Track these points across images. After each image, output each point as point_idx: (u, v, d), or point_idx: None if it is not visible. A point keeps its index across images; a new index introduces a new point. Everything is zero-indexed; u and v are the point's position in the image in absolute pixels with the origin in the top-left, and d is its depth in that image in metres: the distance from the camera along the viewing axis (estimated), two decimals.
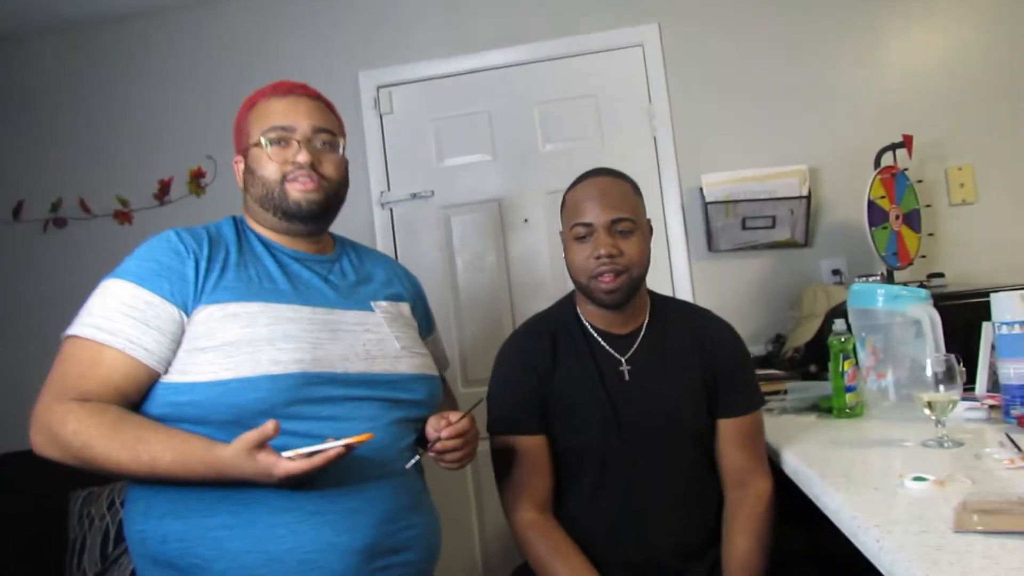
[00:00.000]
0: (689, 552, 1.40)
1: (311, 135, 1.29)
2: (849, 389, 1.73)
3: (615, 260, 1.36)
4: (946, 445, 1.35)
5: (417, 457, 1.27)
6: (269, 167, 1.28)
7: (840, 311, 2.14)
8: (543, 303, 2.59)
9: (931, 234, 2.27)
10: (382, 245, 2.62)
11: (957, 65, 2.44)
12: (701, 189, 2.48)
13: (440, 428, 1.26)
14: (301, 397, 1.16)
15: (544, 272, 2.60)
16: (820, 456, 1.40)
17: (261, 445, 1.04)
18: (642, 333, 1.46)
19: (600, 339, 1.45)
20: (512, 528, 1.42)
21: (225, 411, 1.13)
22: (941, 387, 1.39)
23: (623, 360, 1.43)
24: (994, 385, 1.62)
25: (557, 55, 2.62)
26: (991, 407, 1.56)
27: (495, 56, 2.63)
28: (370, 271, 1.42)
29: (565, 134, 2.61)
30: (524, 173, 2.62)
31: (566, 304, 1.53)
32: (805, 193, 2.41)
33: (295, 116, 1.29)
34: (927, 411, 1.39)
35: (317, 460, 1.05)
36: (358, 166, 2.67)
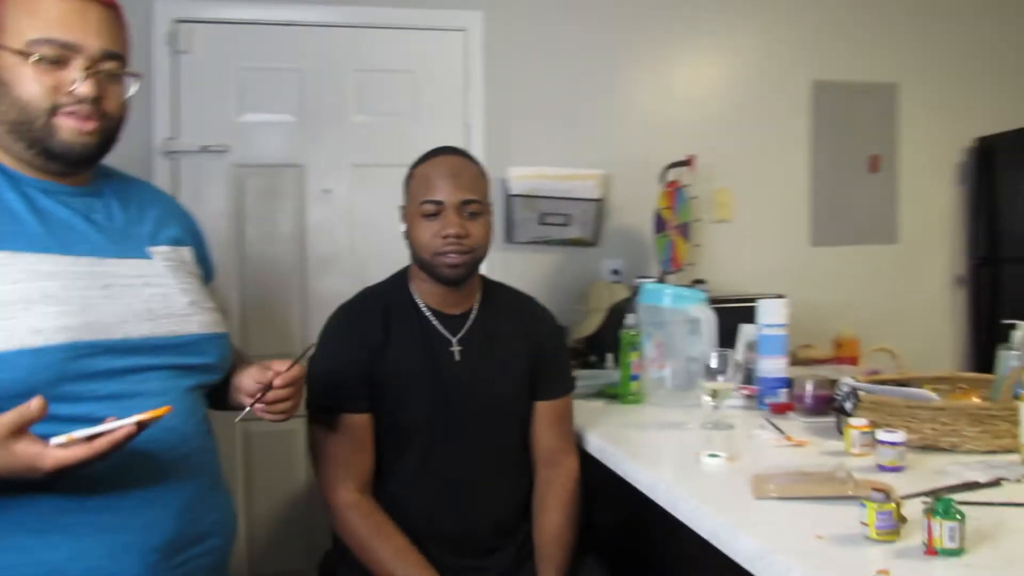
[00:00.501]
0: (505, 529, 1.46)
1: (99, 60, 1.02)
2: (634, 378, 1.92)
3: (462, 241, 1.38)
4: (721, 428, 1.57)
5: (248, 409, 1.17)
6: (33, 89, 1.00)
7: (621, 308, 2.37)
8: (338, 280, 2.56)
9: (698, 245, 2.58)
10: None
11: (722, 97, 2.80)
12: (505, 181, 2.58)
13: (267, 379, 1.14)
14: (72, 373, 0.96)
15: (341, 247, 2.53)
16: (621, 437, 1.55)
17: (20, 431, 0.84)
18: (473, 315, 1.49)
19: (432, 318, 1.46)
20: (331, 509, 1.38)
21: None
22: (720, 377, 1.60)
23: (454, 341, 1.46)
24: (747, 378, 1.90)
25: (379, 23, 2.55)
26: (747, 396, 1.82)
27: (314, 12, 2.50)
28: (142, 207, 1.19)
29: (379, 107, 2.56)
30: (331, 141, 2.52)
31: (398, 281, 1.52)
32: (599, 196, 2.61)
33: (83, 30, 1.01)
34: (708, 398, 1.60)
35: (99, 445, 0.87)
36: (140, 104, 2.37)
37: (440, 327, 1.46)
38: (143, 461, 1.01)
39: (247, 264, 2.46)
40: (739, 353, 1.96)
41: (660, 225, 2.39)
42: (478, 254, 1.43)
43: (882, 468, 1.21)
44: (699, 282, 2.44)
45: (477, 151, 2.59)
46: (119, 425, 0.88)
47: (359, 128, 2.54)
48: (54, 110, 1.02)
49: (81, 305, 1.00)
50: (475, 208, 1.41)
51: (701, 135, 2.71)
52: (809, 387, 1.65)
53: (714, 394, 1.56)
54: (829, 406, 1.64)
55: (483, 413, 1.43)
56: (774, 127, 2.85)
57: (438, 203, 1.38)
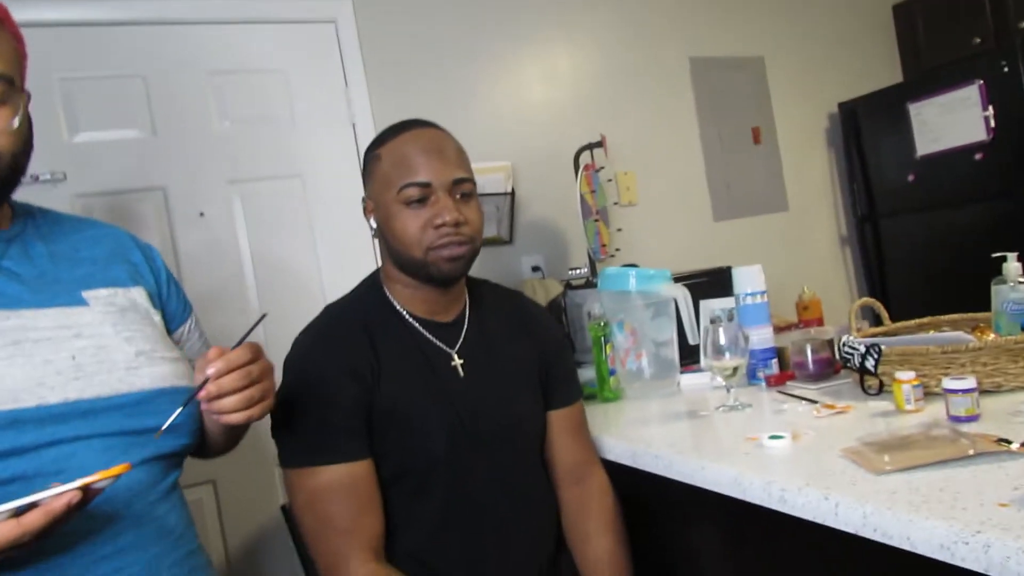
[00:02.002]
0: (548, 569, 1.21)
1: None
2: (611, 372, 1.74)
3: (460, 230, 1.12)
4: (740, 408, 1.42)
5: (179, 410, 0.87)
6: None
7: (558, 304, 2.19)
8: (229, 318, 2.15)
9: (620, 229, 2.46)
10: None
11: (610, 80, 2.71)
12: None
13: (206, 365, 0.86)
14: None
15: (230, 279, 2.13)
16: (644, 436, 1.35)
17: None
18: (467, 320, 1.24)
19: (424, 330, 1.19)
20: None
21: None
22: (727, 355, 1.45)
23: (454, 353, 1.19)
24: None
25: (237, 18, 2.18)
26: None
27: (152, 7, 2.09)
28: (75, 248, 0.98)
29: (247, 112, 2.19)
30: (196, 156, 2.12)
31: (370, 291, 1.23)
32: (510, 189, 2.41)
33: None
34: (720, 379, 1.45)
35: (31, 520, 0.67)
36: None
37: (434, 339, 1.19)
38: (94, 540, 0.80)
39: None
40: (703, 331, 1.84)
41: (586, 210, 2.24)
42: (477, 244, 1.18)
43: (956, 419, 1.11)
44: (632, 266, 2.30)
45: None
46: (58, 492, 0.68)
47: (226, 139, 2.16)
48: None
49: None
50: (467, 188, 1.16)
51: (595, 119, 2.60)
52: (809, 352, 1.55)
53: (731, 373, 1.41)
54: (833, 369, 1.55)
55: (504, 436, 1.18)
56: (662, 106, 2.80)
57: (425, 185, 1.12)
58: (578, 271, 2.26)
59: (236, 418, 0.87)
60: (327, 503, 1.06)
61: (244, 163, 2.17)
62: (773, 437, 1.14)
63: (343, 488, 1.06)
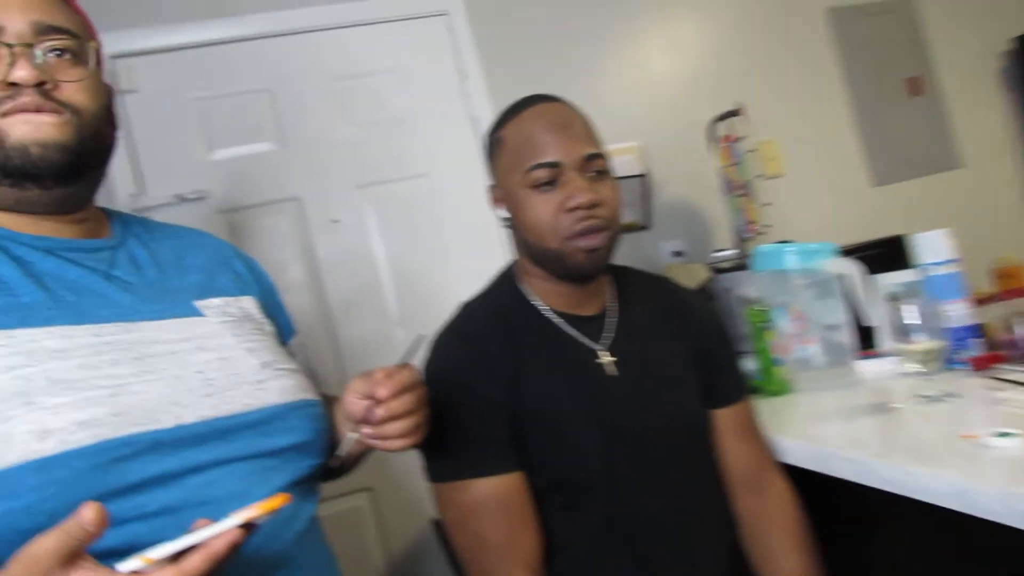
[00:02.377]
0: None
1: (32, 38, 0.76)
2: (777, 363, 1.57)
3: (596, 212, 1.01)
4: (943, 399, 1.21)
5: (352, 438, 0.82)
6: None
7: (708, 290, 2.02)
8: (368, 322, 2.15)
9: (768, 204, 2.25)
10: None
11: (739, 44, 2.48)
12: None
13: (371, 392, 0.79)
14: (105, 487, 0.67)
15: (367, 284, 2.12)
16: (825, 435, 1.17)
17: (73, 557, 0.56)
18: (612, 312, 1.12)
19: (566, 325, 1.08)
20: None
21: None
22: (919, 336, 1.25)
23: (600, 349, 1.08)
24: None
25: (350, 22, 2.17)
26: None
27: (271, 20, 2.11)
28: (180, 255, 0.91)
29: (370, 116, 2.17)
30: (325, 163, 2.13)
31: (505, 285, 1.13)
32: (642, 171, 2.26)
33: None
34: (915, 365, 1.25)
35: (193, 565, 0.58)
36: None
37: (578, 335, 1.08)
38: None
39: None
40: (880, 310, 1.62)
41: (728, 186, 2.05)
42: (617, 227, 1.06)
43: None
44: (785, 243, 2.10)
45: None
46: (217, 531, 0.60)
47: (352, 144, 2.15)
48: None
49: (111, 387, 0.70)
50: (600, 165, 1.04)
51: (728, 88, 2.38)
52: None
53: (928, 357, 1.21)
54: None
55: (664, 439, 1.05)
56: (801, 66, 2.54)
57: (554, 165, 1.01)
58: (725, 252, 2.08)
59: (398, 445, 0.81)
60: (479, 519, 0.97)
61: (371, 167, 2.15)
62: (1001, 435, 0.94)
63: (494, 503, 0.97)
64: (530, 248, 1.06)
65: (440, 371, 1.04)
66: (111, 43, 1.98)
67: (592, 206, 1.00)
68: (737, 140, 2.15)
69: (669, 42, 2.42)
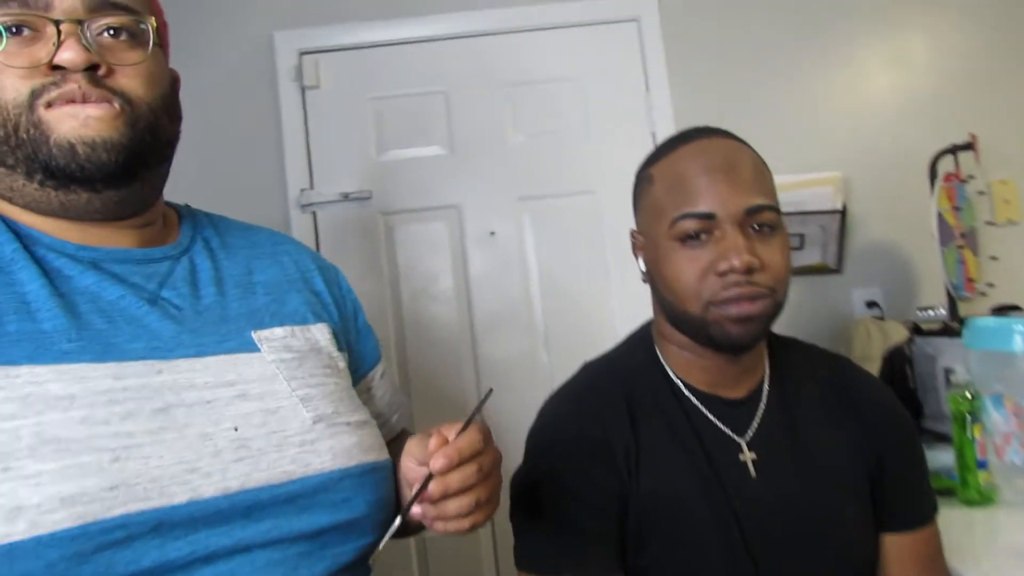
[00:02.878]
0: None
1: (84, 14, 0.64)
2: (980, 465, 1.27)
3: (755, 279, 0.82)
4: None
5: (395, 525, 0.66)
6: (2, 80, 0.63)
7: (901, 355, 1.71)
8: (514, 341, 2.05)
9: (995, 258, 1.87)
10: None
11: (977, 60, 2.08)
12: None
13: (428, 456, 0.64)
14: None
15: (517, 301, 2.03)
16: None
17: None
18: (765, 396, 0.92)
19: (704, 408, 0.90)
20: None
21: None
22: None
23: (744, 443, 0.89)
24: None
25: (532, 26, 2.08)
26: None
27: (454, 22, 2.07)
28: (250, 269, 0.79)
29: (541, 125, 2.07)
30: (488, 172, 2.06)
31: (638, 350, 0.97)
32: (840, 206, 1.97)
33: None
34: None
35: None
36: (271, 154, 2.03)
37: (718, 422, 0.89)
38: None
39: (405, 329, 2.01)
40: None
41: (946, 233, 1.73)
42: (779, 297, 0.86)
43: None
44: (1012, 308, 1.73)
45: None
46: None
47: (519, 153, 2.06)
48: (34, 99, 0.63)
49: (112, 450, 0.57)
50: (768, 219, 0.85)
51: (961, 114, 2.01)
52: None
53: None
54: None
55: (812, 566, 0.85)
56: None
57: (706, 217, 0.83)
58: (931, 312, 1.76)
59: (458, 526, 0.65)
60: None
61: (536, 179, 2.05)
62: None
63: None
64: (669, 309, 0.89)
65: (547, 442, 0.90)
66: (300, 40, 2.05)
67: (749, 270, 0.82)
68: (964, 180, 1.81)
69: (894, 57, 2.09)
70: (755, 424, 0.90)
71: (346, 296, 0.87)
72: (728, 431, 0.89)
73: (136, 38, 0.67)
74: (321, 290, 0.83)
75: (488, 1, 2.06)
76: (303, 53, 2.04)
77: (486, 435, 0.67)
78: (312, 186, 2.02)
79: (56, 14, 0.63)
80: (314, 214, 2.01)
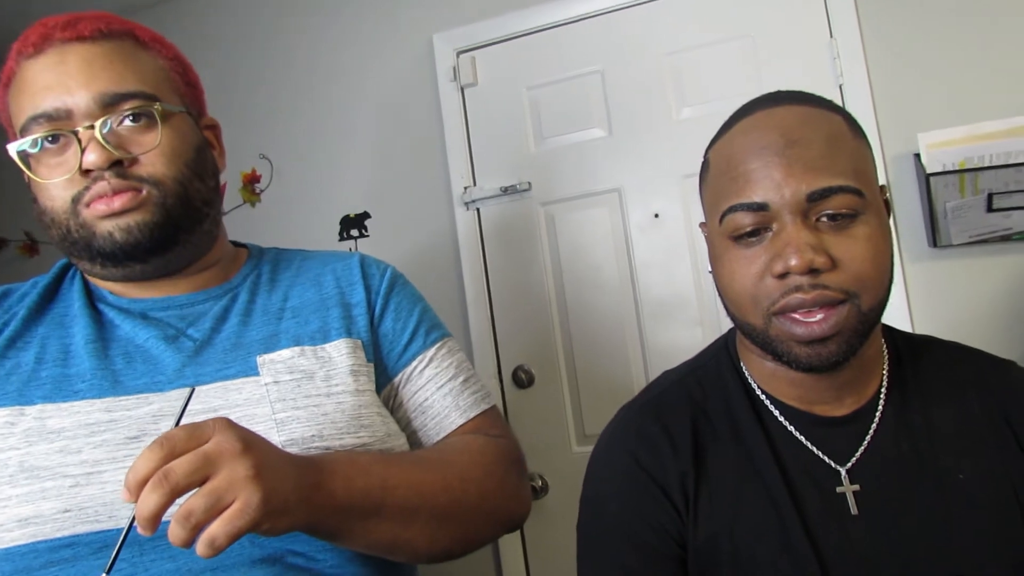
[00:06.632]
0: None
1: (100, 113, 0.72)
2: None
3: (823, 280, 0.65)
4: None
5: (119, 543, 0.55)
6: (47, 192, 0.73)
7: None
8: (683, 330, 1.89)
9: None
10: (467, 259, 2.00)
11: None
12: (918, 155, 1.68)
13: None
14: None
15: (685, 286, 1.88)
16: None
17: None
18: (878, 415, 0.73)
19: (793, 429, 0.74)
20: None
21: None
22: None
23: (843, 472, 0.72)
24: None
25: None
26: None
27: None
28: (288, 294, 0.84)
29: (708, 93, 1.88)
30: (651, 151, 1.92)
31: (721, 356, 0.83)
32: None
33: (63, 85, 0.71)
34: None
35: None
36: (435, 156, 2.09)
37: (810, 445, 0.73)
38: None
39: (569, 320, 1.96)
40: None
41: None
42: (864, 303, 0.67)
43: None
44: None
45: (863, 120, 1.72)
46: None
47: (685, 127, 1.90)
48: (77, 204, 0.73)
49: (74, 476, 0.63)
50: (845, 203, 0.66)
51: None
52: None
53: None
54: None
55: None
56: None
57: (759, 207, 0.68)
58: None
59: (200, 550, 0.54)
60: None
61: (700, 154, 1.87)
62: None
63: None
64: (732, 319, 0.75)
65: (598, 463, 0.80)
66: (456, 40, 2.07)
67: (812, 270, 0.64)
68: None
69: None
70: (862, 449, 0.72)
71: (378, 297, 0.86)
72: (824, 456, 0.72)
73: (153, 118, 0.74)
74: (356, 302, 0.84)
75: None
76: (459, 52, 2.06)
77: (190, 433, 0.56)
78: (474, 183, 2.04)
79: (76, 120, 0.71)
80: (477, 211, 2.03)
